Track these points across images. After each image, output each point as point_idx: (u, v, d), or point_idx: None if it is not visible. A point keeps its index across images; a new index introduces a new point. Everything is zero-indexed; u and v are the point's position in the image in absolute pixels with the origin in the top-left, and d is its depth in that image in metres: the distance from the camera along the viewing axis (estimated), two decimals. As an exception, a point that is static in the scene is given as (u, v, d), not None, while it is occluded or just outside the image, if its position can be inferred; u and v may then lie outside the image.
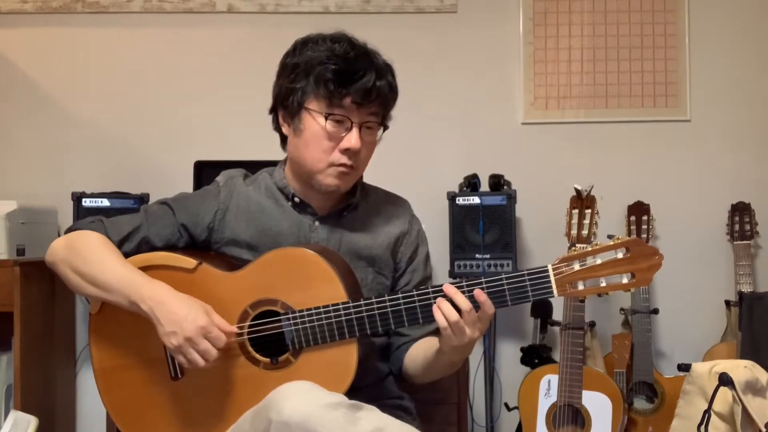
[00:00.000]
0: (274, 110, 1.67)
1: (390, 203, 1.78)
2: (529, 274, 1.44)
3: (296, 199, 1.67)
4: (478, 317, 1.45)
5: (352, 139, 1.57)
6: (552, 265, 1.44)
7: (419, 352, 1.67)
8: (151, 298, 1.50)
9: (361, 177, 1.73)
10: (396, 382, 1.74)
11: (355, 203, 1.70)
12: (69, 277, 1.59)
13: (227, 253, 1.65)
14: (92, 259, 1.56)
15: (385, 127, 1.65)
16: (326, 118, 1.56)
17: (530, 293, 1.44)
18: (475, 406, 2.96)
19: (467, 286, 1.46)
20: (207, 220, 1.66)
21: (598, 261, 1.43)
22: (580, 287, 1.43)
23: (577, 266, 1.43)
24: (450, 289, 1.45)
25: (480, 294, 1.44)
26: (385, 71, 1.60)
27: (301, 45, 1.62)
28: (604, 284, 1.43)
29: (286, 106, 1.61)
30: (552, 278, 1.43)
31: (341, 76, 1.54)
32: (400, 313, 1.48)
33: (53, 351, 2.84)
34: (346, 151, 1.58)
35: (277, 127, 1.68)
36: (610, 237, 1.55)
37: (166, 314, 1.48)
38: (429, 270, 1.79)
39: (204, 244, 1.67)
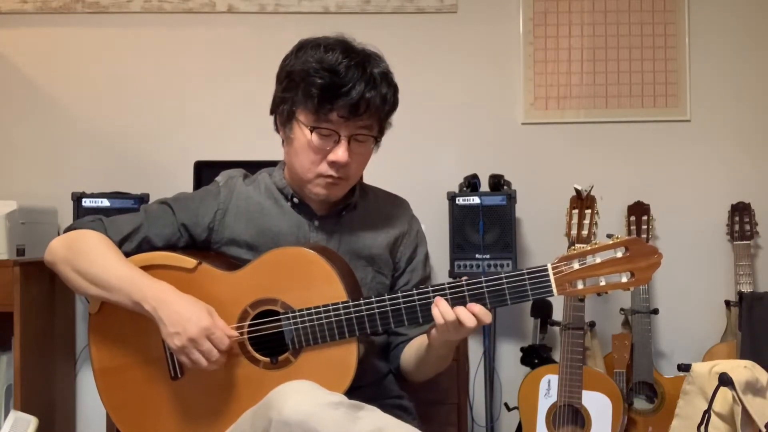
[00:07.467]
0: (273, 113, 1.67)
1: (389, 203, 1.78)
2: (528, 274, 1.44)
3: (295, 200, 1.67)
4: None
5: (338, 152, 1.55)
6: (551, 265, 1.44)
7: (412, 350, 1.68)
8: (155, 298, 1.50)
9: (361, 177, 1.73)
10: (396, 381, 1.74)
11: (353, 203, 1.71)
12: (69, 277, 1.59)
13: (227, 253, 1.65)
14: (93, 259, 1.56)
15: (381, 136, 1.63)
16: (311, 131, 1.55)
17: (530, 292, 1.44)
18: (475, 406, 2.96)
19: (467, 284, 1.46)
20: (207, 220, 1.66)
21: (598, 260, 1.43)
22: (580, 286, 1.44)
23: (576, 265, 1.43)
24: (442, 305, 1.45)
25: (473, 306, 1.44)
26: (379, 82, 1.55)
27: (297, 50, 1.60)
28: (603, 283, 1.43)
29: (279, 113, 1.62)
30: (551, 277, 1.43)
31: (326, 91, 1.51)
32: (400, 313, 1.48)
33: (53, 351, 2.84)
34: (333, 164, 1.57)
35: (277, 129, 1.68)
36: (609, 236, 1.55)
37: (169, 314, 1.48)
38: (428, 270, 1.79)
39: (204, 244, 1.67)
